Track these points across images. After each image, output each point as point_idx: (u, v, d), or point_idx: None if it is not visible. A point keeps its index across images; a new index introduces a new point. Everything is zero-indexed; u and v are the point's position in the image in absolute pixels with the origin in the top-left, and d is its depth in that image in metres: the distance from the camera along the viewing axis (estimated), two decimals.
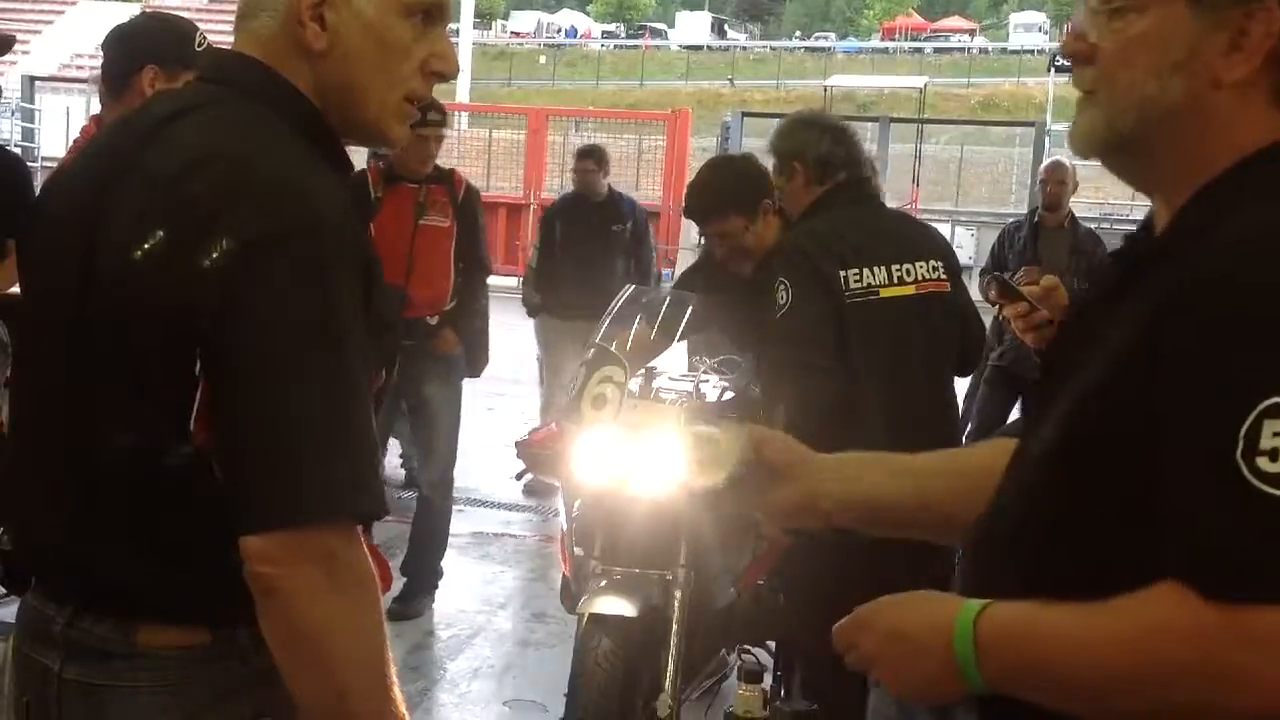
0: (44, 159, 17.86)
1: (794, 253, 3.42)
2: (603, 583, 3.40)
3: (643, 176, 18.37)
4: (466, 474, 7.01)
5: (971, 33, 60.58)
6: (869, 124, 19.85)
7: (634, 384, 3.55)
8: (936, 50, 55.60)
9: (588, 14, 69.40)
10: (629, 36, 63.01)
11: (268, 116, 1.49)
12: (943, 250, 3.67)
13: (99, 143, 1.64)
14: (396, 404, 5.05)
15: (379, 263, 1.49)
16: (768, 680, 3.75)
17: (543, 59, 53.78)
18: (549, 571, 5.78)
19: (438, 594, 5.29)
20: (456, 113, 22.46)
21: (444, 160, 5.27)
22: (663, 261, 16.30)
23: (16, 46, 4.15)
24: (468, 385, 5.33)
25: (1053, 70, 34.12)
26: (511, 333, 8.25)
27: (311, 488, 1.36)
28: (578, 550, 3.62)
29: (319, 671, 1.40)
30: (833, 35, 64.76)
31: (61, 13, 37.69)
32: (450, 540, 5.41)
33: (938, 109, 38.08)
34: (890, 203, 4.38)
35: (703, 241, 4.20)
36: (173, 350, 1.39)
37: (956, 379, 3.79)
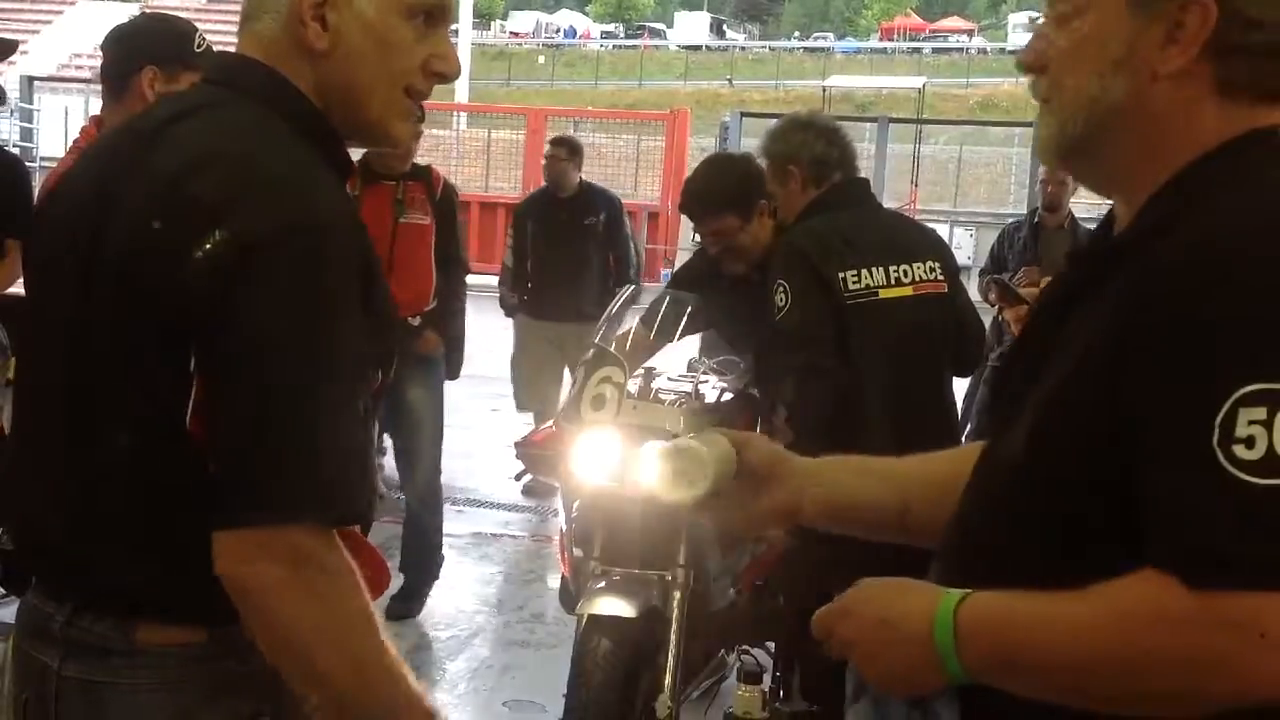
0: (42, 159, 17.86)
1: (792, 255, 3.42)
2: (602, 583, 3.40)
3: (641, 176, 18.39)
4: (467, 475, 7.03)
5: (970, 33, 60.58)
6: (867, 124, 19.88)
7: (633, 385, 3.55)
8: (935, 50, 55.61)
9: (586, 14, 69.39)
10: (628, 37, 63.01)
11: (269, 117, 1.49)
12: (940, 251, 3.67)
13: (101, 145, 1.65)
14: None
15: (379, 262, 1.50)
16: (767, 681, 3.75)
17: (541, 59, 53.80)
18: (548, 572, 5.78)
19: (437, 595, 5.29)
20: (455, 113, 22.50)
21: (443, 161, 5.24)
22: (662, 261, 16.34)
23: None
24: (472, 386, 5.28)
25: None
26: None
27: (284, 487, 1.36)
28: (577, 551, 3.61)
29: (306, 671, 1.41)
30: (831, 35, 64.81)
31: (60, 13, 37.68)
32: (449, 541, 5.41)
33: (936, 109, 38.08)
34: (889, 203, 4.38)
35: (696, 238, 4.20)
36: (168, 347, 1.40)
37: (956, 380, 3.80)
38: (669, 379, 3.81)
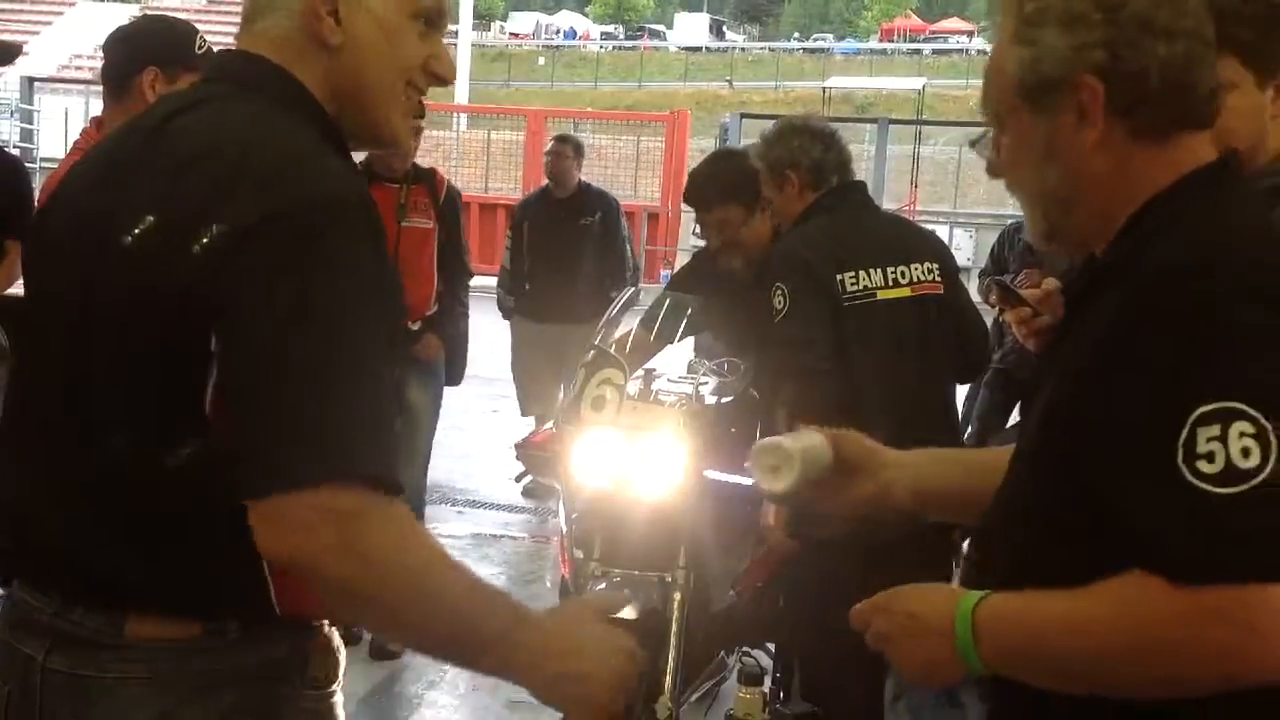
0: (42, 160, 17.86)
1: (790, 257, 3.42)
2: (602, 584, 3.40)
3: (641, 177, 18.39)
4: (467, 476, 7.03)
5: (970, 34, 60.49)
6: (867, 125, 19.86)
7: (633, 386, 3.55)
8: (935, 52, 55.55)
9: (586, 15, 69.44)
10: (628, 38, 63.02)
11: (273, 108, 1.51)
12: (938, 252, 3.67)
13: (103, 146, 1.66)
14: None
15: (384, 235, 1.51)
16: (767, 683, 3.75)
17: (541, 60, 53.80)
18: (548, 573, 5.78)
19: None
20: (455, 114, 22.49)
21: (443, 161, 5.22)
22: (661, 263, 16.33)
23: None
24: (472, 387, 5.28)
25: None
26: None
27: (306, 453, 1.34)
28: (577, 552, 3.61)
29: (394, 628, 1.48)
30: (831, 36, 64.81)
31: (60, 14, 37.71)
32: (450, 542, 5.41)
33: (936, 110, 38.04)
34: (888, 204, 4.38)
35: (695, 236, 4.20)
36: (175, 339, 1.40)
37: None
38: (669, 380, 3.81)
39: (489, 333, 7.57)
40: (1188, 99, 1.44)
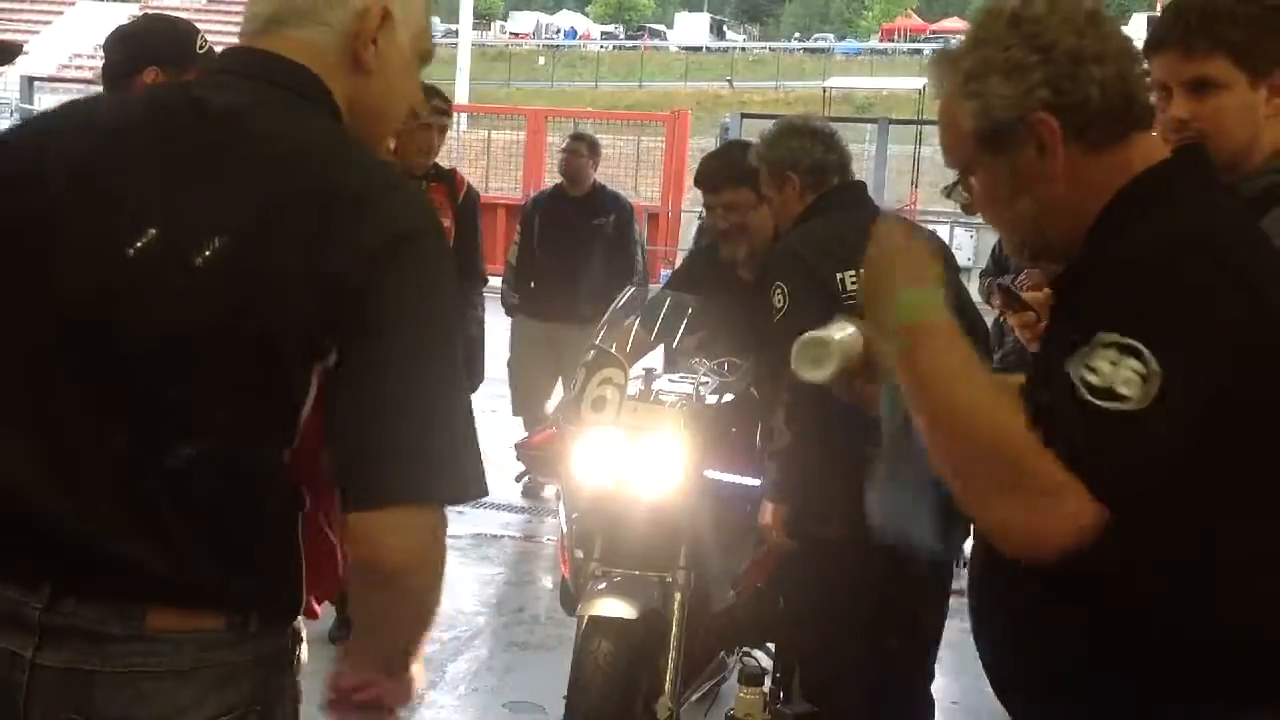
0: None
1: (790, 256, 3.42)
2: (602, 585, 3.40)
3: (641, 177, 18.37)
4: None
5: None
6: (867, 125, 19.86)
7: (633, 386, 3.55)
8: (936, 52, 55.46)
9: (587, 15, 69.48)
10: (628, 37, 63.02)
11: (337, 123, 1.60)
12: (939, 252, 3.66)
13: (120, 123, 1.60)
14: None
15: None
16: (767, 683, 3.75)
17: (542, 60, 53.77)
18: (549, 573, 5.78)
19: None
20: (455, 113, 22.46)
21: (443, 161, 5.19)
22: (662, 262, 16.32)
23: None
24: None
25: None
26: None
27: (428, 470, 1.47)
28: (577, 552, 3.61)
29: (394, 618, 1.57)
30: (831, 36, 64.83)
31: (60, 13, 37.70)
32: (450, 542, 5.36)
33: (936, 111, 38.00)
34: (889, 205, 4.38)
35: (702, 214, 4.20)
36: (271, 353, 1.45)
37: None
38: (669, 380, 3.81)
39: (490, 332, 7.55)
40: (1130, 108, 1.62)
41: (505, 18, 68.57)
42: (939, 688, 3.64)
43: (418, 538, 1.48)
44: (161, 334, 1.46)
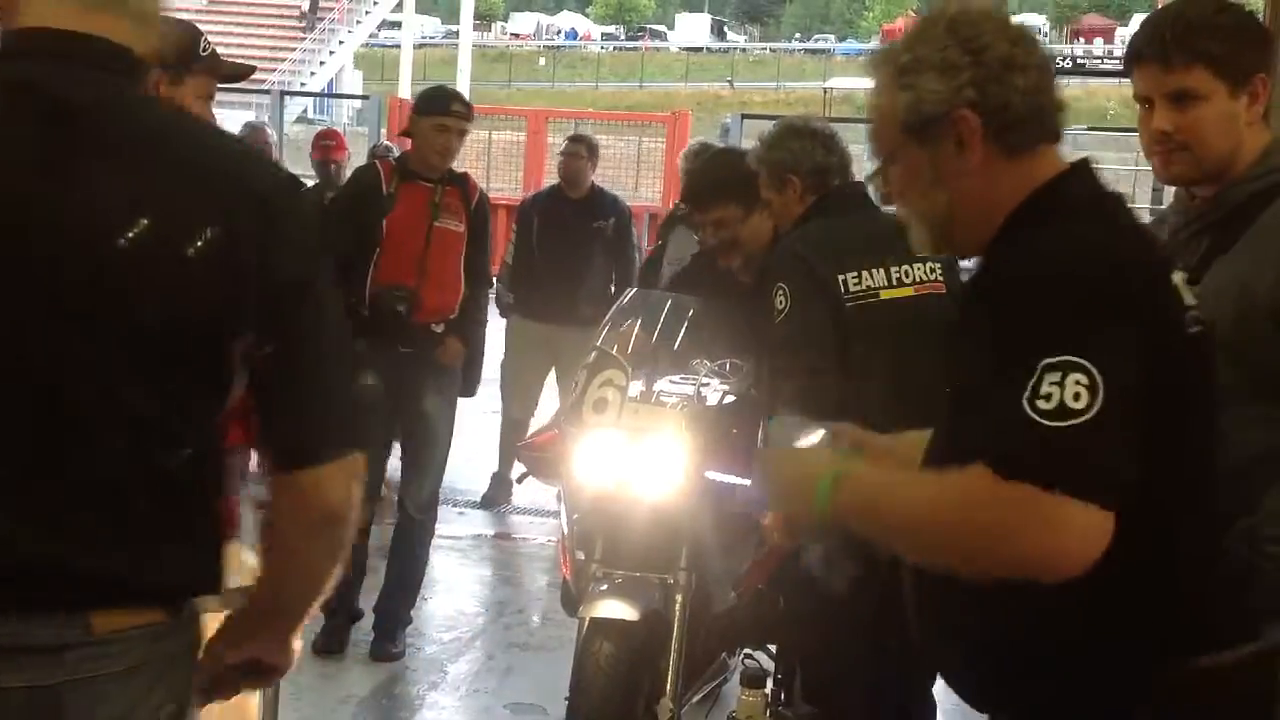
0: None
1: (791, 258, 3.41)
2: (603, 586, 3.40)
3: (642, 178, 18.37)
4: (468, 478, 7.01)
5: None
6: (868, 126, 19.81)
7: (634, 388, 3.54)
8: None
9: (587, 16, 69.43)
10: (628, 38, 63.04)
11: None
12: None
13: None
14: (397, 412, 4.72)
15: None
16: (769, 685, 3.74)
17: (542, 61, 53.79)
18: (550, 575, 5.78)
19: (437, 598, 5.28)
20: None
21: None
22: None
23: None
24: None
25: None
26: None
27: (353, 425, 1.66)
28: (578, 553, 3.61)
29: (324, 583, 1.69)
30: (832, 37, 64.84)
31: None
32: (451, 543, 5.39)
33: None
34: (889, 205, 4.37)
35: (694, 218, 4.18)
36: (201, 344, 1.53)
37: None
38: (671, 382, 3.80)
39: (489, 333, 7.56)
40: (1045, 118, 1.75)
41: (506, 19, 68.56)
42: (940, 688, 3.64)
43: (355, 482, 1.63)
44: (80, 329, 1.47)
